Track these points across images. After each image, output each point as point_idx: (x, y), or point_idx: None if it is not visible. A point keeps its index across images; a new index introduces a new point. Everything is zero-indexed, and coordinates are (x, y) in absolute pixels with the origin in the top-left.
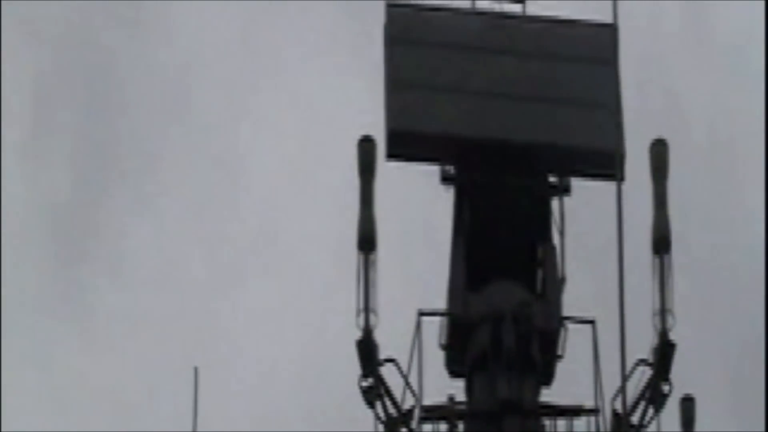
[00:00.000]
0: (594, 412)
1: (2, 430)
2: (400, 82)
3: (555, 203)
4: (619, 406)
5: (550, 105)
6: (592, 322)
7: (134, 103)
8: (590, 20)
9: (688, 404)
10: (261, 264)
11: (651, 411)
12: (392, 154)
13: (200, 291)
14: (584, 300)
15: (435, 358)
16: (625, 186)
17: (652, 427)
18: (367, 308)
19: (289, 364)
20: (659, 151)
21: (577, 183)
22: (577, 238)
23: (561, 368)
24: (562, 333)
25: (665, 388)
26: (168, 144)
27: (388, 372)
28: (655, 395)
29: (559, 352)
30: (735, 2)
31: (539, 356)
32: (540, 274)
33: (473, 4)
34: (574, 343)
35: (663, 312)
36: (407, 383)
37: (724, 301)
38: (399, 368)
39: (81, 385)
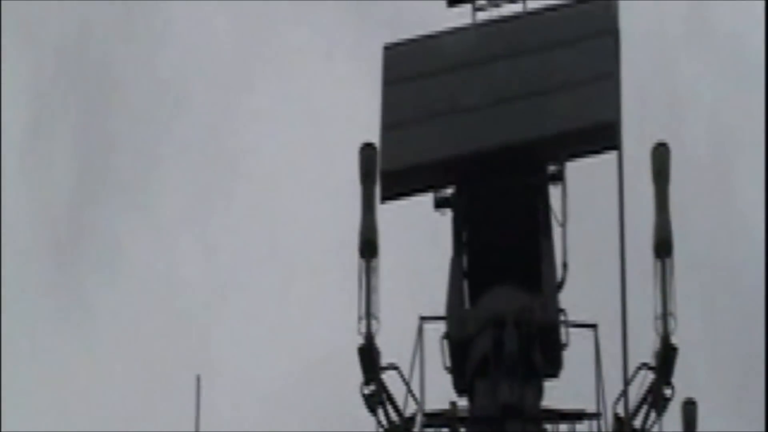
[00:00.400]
0: (596, 416)
1: (2, 430)
2: (393, 123)
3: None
4: (621, 410)
5: (546, 95)
6: (594, 326)
7: (134, 107)
8: None
9: (690, 408)
10: (262, 269)
11: (653, 415)
12: (386, 197)
13: (200, 296)
14: (586, 304)
15: (437, 363)
16: (627, 187)
17: (655, 430)
18: (368, 314)
19: (290, 370)
20: (661, 155)
21: (576, 184)
22: (578, 241)
23: (563, 373)
24: (562, 319)
25: (667, 391)
26: (167, 147)
27: (390, 378)
28: (657, 399)
29: (563, 341)
30: (735, 2)
31: (541, 358)
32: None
33: (474, 15)
34: (576, 347)
35: (665, 315)
36: (409, 389)
37: (726, 304)
38: (401, 374)
39: (80, 388)
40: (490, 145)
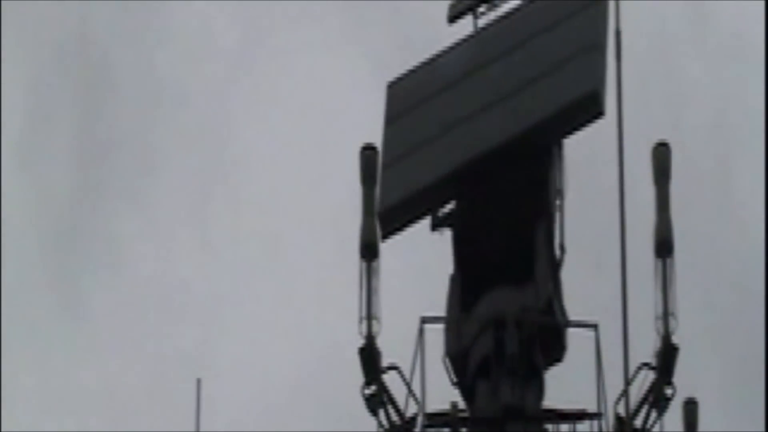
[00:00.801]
0: (597, 416)
1: (2, 430)
2: (391, 160)
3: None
4: (622, 410)
5: (536, 82)
6: (594, 326)
7: (133, 105)
8: None
9: (691, 407)
10: (262, 271)
11: (654, 415)
12: (387, 234)
13: (200, 297)
14: (586, 304)
15: (438, 364)
16: (628, 189)
17: (656, 430)
18: (369, 315)
19: (291, 371)
20: (662, 154)
21: (576, 184)
22: (578, 241)
23: (563, 373)
24: (555, 304)
25: (668, 391)
26: (166, 146)
27: (390, 379)
28: (658, 399)
29: (561, 323)
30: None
31: (542, 358)
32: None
33: (475, 25)
34: (576, 347)
35: (666, 315)
36: (410, 390)
37: (728, 304)
38: (402, 375)
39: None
40: (483, 148)
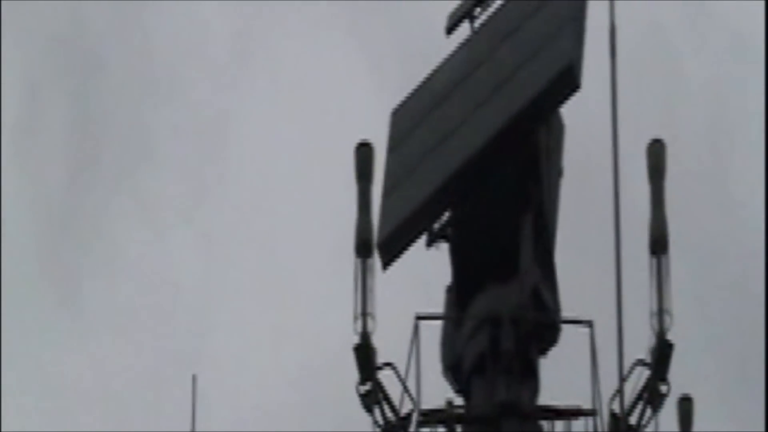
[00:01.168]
0: (592, 413)
1: (2, 430)
2: (389, 189)
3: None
4: (616, 407)
5: (517, 72)
6: (589, 323)
7: (128, 99)
8: None
9: (686, 404)
10: (257, 268)
11: (649, 411)
12: (387, 264)
13: (195, 296)
14: (581, 301)
15: (433, 362)
16: (623, 187)
17: (650, 427)
18: (364, 313)
19: (286, 368)
20: (656, 151)
21: (571, 183)
22: (573, 238)
23: (558, 370)
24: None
25: (663, 388)
26: (161, 140)
27: (386, 377)
28: (653, 396)
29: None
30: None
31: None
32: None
33: (472, 27)
34: (571, 344)
35: (660, 312)
36: (405, 388)
37: (722, 301)
38: (397, 373)
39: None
40: (469, 154)
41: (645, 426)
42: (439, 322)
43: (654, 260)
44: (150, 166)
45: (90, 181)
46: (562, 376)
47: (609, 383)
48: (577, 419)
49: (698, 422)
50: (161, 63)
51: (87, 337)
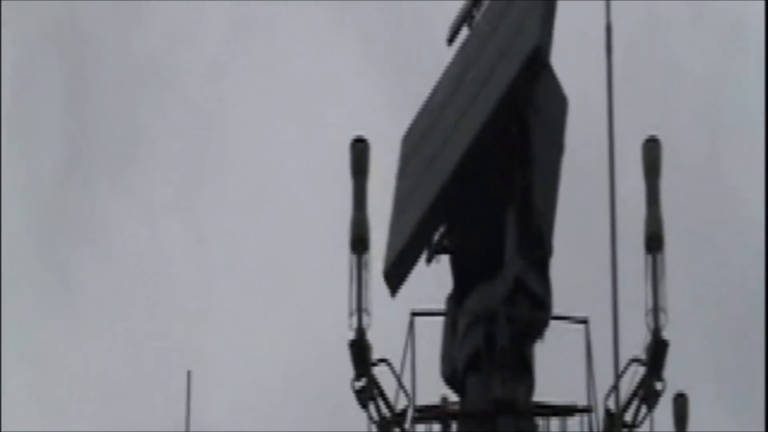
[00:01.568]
0: (587, 410)
1: (2, 430)
2: (395, 215)
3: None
4: (612, 405)
5: (495, 67)
6: (584, 321)
7: (122, 88)
8: None
9: (681, 401)
10: (252, 264)
11: (644, 409)
12: (395, 289)
13: (190, 290)
14: (577, 299)
15: (428, 358)
16: (619, 185)
17: (646, 425)
18: (360, 309)
19: (281, 364)
20: (652, 150)
21: (568, 183)
22: (569, 236)
23: (554, 367)
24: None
25: (658, 385)
26: (156, 130)
27: (381, 373)
28: (648, 393)
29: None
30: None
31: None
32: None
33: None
34: (566, 342)
35: (656, 310)
36: (400, 384)
37: (718, 298)
38: (392, 369)
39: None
40: (455, 163)
41: (640, 423)
42: (434, 319)
43: (649, 258)
44: (145, 160)
45: (85, 175)
46: (557, 374)
47: (604, 380)
48: (572, 416)
49: (693, 420)
50: (156, 56)
51: (81, 332)
